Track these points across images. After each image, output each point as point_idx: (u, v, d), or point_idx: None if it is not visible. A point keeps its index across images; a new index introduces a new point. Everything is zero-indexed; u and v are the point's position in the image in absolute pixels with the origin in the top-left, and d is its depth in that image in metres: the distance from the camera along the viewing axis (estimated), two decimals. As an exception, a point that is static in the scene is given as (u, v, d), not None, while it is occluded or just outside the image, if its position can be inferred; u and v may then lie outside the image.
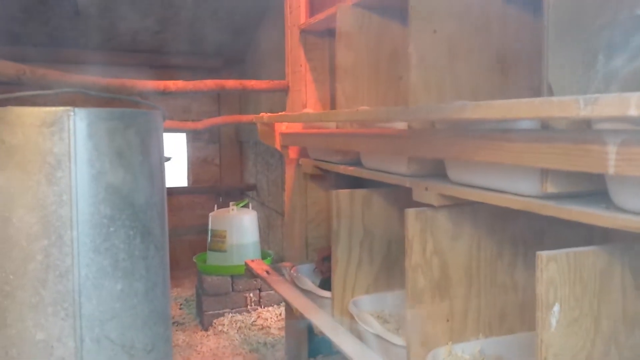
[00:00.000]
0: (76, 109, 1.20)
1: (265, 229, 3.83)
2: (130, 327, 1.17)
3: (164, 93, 2.25)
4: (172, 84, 2.27)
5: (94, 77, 2.16)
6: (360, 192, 1.89)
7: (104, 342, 1.13)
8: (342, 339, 1.47)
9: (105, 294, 1.16)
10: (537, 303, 1.00)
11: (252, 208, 3.45)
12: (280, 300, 3.19)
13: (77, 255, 1.14)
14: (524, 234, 1.54)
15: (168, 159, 4.49)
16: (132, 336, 1.18)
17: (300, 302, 1.79)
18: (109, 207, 1.17)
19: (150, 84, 2.21)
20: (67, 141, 1.17)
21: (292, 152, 2.33)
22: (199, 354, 2.79)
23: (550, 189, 1.01)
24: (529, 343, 1.04)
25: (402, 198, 1.87)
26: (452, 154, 1.27)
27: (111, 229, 1.17)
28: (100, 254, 1.16)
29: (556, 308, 1.00)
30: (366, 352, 1.39)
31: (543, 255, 0.99)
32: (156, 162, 1.25)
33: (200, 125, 2.74)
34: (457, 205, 1.46)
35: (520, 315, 1.53)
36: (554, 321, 1.00)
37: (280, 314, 3.15)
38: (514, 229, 1.52)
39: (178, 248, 4.33)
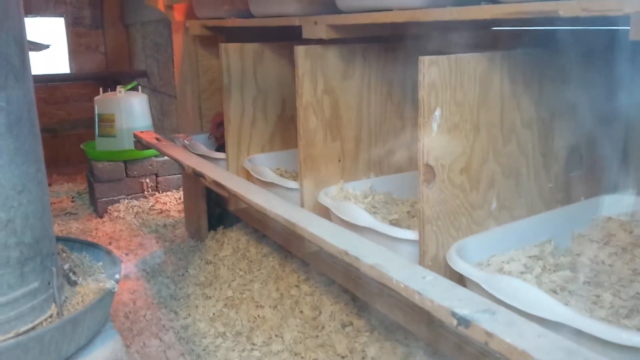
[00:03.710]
0: None
1: (159, 115, 3.67)
2: (-6, 163, 1.06)
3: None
4: None
5: None
6: (250, 46, 1.81)
7: (-37, 178, 1.02)
8: (235, 184, 1.44)
9: (-40, 127, 1.03)
10: (419, 108, 1.01)
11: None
12: (179, 184, 3.12)
13: None
14: (413, 74, 1.55)
15: (46, 46, 4.07)
16: (-2, 174, 1.07)
17: (193, 161, 1.73)
18: (-47, 30, 1.02)
19: None
20: None
21: (178, 14, 2.17)
22: (94, 238, 2.68)
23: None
24: (416, 180, 1.06)
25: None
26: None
27: (-42, 54, 1.02)
28: (-52, 83, 1.02)
29: (437, 112, 1.01)
30: (259, 191, 1.37)
31: (425, 59, 0.99)
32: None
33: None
34: (347, 43, 1.43)
35: (409, 155, 1.57)
36: (435, 125, 1.01)
37: (179, 198, 3.09)
38: (404, 70, 1.53)
39: (67, 143, 4.07)
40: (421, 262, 1.06)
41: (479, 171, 1.09)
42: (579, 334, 0.77)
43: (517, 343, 0.69)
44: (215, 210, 2.41)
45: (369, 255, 0.98)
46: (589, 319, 0.78)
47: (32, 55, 1.28)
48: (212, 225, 2.40)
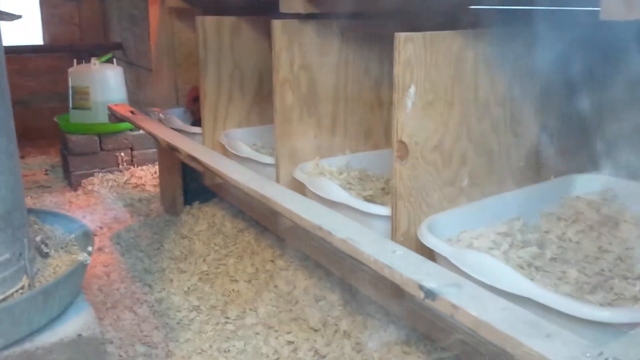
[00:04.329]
0: None
1: (135, 89, 3.61)
2: (-38, 134, 1.04)
3: None
4: None
5: None
6: (228, 20, 1.79)
7: None
8: (210, 158, 1.43)
9: None
10: (394, 85, 1.01)
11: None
12: (155, 158, 3.09)
13: None
14: (390, 52, 1.55)
15: (18, 16, 3.98)
16: (-34, 144, 1.05)
17: (168, 135, 1.71)
18: None
19: None
20: None
21: (155, -15, 2.13)
22: (68, 212, 2.65)
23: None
24: (391, 157, 1.07)
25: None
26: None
27: None
28: None
29: (412, 90, 1.02)
30: (234, 165, 1.37)
31: (401, 35, 0.99)
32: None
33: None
34: (325, 19, 1.42)
35: (385, 133, 1.58)
36: (409, 103, 1.02)
37: (155, 172, 3.06)
38: (382, 47, 1.52)
39: (40, 115, 3.98)
40: (393, 237, 1.07)
41: (451, 148, 1.10)
42: (544, 309, 0.79)
43: (482, 316, 0.71)
44: (191, 185, 2.40)
45: (342, 229, 0.99)
46: (553, 293, 0.80)
47: (4, 25, 1.25)
48: (188, 200, 2.39)
